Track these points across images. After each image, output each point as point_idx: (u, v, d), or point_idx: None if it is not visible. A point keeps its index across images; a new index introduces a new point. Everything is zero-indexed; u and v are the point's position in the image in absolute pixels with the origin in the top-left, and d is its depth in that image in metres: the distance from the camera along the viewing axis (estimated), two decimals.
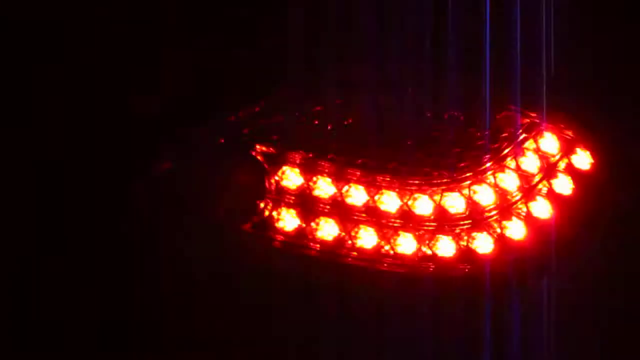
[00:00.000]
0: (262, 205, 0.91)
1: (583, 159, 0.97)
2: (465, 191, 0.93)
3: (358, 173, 0.92)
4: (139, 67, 0.94)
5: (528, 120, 0.96)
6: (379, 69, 0.95)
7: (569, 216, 0.94)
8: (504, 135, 0.95)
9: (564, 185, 0.96)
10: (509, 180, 0.94)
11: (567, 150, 0.97)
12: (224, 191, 0.90)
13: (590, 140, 0.96)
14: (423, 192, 0.92)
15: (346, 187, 0.92)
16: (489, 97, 0.94)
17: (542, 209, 0.94)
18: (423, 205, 0.92)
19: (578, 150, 0.97)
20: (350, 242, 0.91)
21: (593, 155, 0.96)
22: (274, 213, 0.92)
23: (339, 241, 0.91)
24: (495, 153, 0.94)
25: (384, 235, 0.91)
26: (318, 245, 0.91)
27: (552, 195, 0.95)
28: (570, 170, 0.96)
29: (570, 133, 0.96)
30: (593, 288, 0.94)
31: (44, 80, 0.93)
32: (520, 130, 0.95)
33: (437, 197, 0.92)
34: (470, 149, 0.94)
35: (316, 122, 0.93)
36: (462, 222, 0.92)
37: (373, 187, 0.92)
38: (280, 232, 0.92)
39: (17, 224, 0.91)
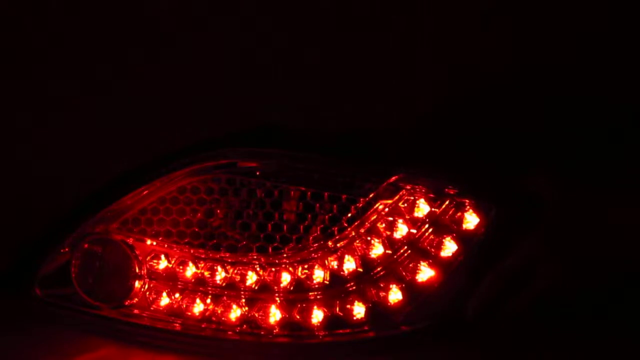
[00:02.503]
0: (136, 285, 0.96)
1: (467, 218, 0.92)
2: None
3: (221, 254, 0.95)
4: None
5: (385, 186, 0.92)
6: None
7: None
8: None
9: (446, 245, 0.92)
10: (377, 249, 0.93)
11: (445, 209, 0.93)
12: (100, 275, 0.97)
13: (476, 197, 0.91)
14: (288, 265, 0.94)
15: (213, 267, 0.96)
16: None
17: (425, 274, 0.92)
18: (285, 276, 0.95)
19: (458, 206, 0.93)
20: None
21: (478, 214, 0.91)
22: (147, 293, 0.97)
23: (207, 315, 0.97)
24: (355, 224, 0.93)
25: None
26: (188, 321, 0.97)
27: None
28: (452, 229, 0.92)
29: (452, 190, 0.92)
30: None
31: None
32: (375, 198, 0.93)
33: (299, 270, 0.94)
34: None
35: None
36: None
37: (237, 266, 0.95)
38: (153, 310, 0.98)
39: None
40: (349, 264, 0.93)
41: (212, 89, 0.94)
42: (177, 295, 0.97)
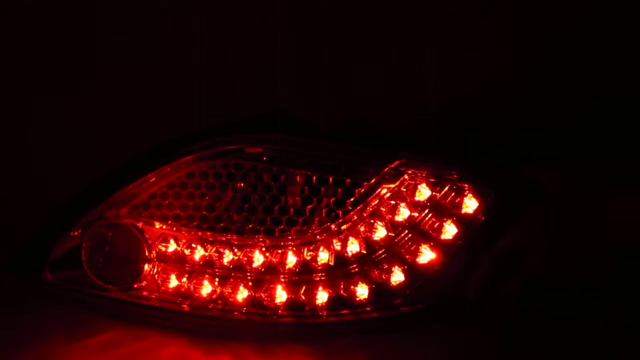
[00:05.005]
0: (145, 268, 0.99)
1: (466, 202, 0.95)
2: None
3: (228, 236, 0.98)
4: None
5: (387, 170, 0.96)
6: None
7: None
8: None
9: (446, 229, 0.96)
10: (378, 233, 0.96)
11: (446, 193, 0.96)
12: (110, 259, 0.99)
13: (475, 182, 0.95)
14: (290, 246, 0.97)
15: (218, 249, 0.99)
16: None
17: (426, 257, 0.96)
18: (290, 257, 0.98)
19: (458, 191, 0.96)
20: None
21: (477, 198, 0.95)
22: (156, 276, 1.00)
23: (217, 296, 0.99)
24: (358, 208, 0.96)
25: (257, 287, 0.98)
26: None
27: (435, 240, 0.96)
28: (452, 213, 0.96)
29: (452, 175, 0.95)
30: None
31: None
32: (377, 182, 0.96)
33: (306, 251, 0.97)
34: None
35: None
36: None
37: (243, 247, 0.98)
38: (162, 292, 1.00)
39: None
40: (353, 246, 0.96)
41: (220, 78, 0.97)
42: (185, 277, 1.00)
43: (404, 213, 0.95)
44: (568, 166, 0.95)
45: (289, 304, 0.97)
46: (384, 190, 0.95)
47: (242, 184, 0.97)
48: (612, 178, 0.96)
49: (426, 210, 0.95)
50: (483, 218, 0.94)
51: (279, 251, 0.97)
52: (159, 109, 0.98)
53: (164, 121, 0.98)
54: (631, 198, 0.95)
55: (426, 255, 0.95)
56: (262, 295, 0.97)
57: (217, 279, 0.99)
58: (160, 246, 0.99)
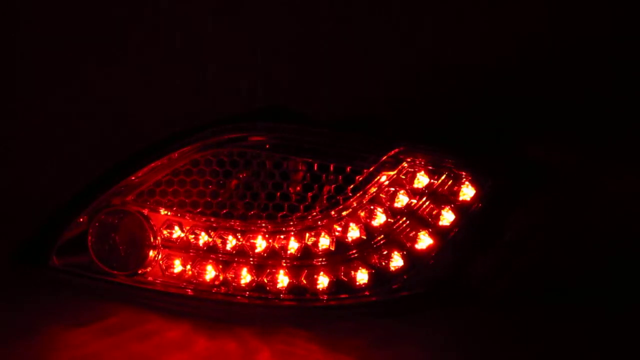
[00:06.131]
0: (151, 254, 1.01)
1: (464, 190, 0.98)
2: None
3: (232, 222, 1.00)
4: None
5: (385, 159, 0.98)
6: None
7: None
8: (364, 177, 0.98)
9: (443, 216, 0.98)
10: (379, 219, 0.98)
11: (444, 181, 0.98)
12: (116, 245, 1.01)
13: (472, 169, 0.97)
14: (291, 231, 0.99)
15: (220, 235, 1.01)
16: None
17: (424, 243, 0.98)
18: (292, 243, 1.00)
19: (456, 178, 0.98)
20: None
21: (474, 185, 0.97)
22: (161, 261, 1.02)
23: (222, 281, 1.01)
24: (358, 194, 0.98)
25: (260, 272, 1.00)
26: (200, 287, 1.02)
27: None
28: (449, 200, 0.98)
29: (449, 163, 0.97)
30: None
31: None
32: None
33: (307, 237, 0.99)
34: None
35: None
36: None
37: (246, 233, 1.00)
38: (167, 277, 1.02)
39: None
40: (353, 232, 0.98)
41: (226, 72, 1.00)
42: (189, 262, 1.02)
43: (402, 200, 0.98)
44: (568, 146, 0.98)
45: (291, 289, 0.99)
46: (384, 178, 0.97)
47: (245, 171, 0.99)
48: (612, 158, 0.98)
49: (424, 198, 0.97)
50: (480, 205, 0.96)
51: (281, 237, 0.99)
52: (163, 102, 1.00)
53: (170, 112, 1.01)
54: (631, 179, 0.98)
55: (424, 241, 0.98)
56: (265, 279, 1.00)
57: (220, 264, 1.01)
58: (165, 232, 1.01)
